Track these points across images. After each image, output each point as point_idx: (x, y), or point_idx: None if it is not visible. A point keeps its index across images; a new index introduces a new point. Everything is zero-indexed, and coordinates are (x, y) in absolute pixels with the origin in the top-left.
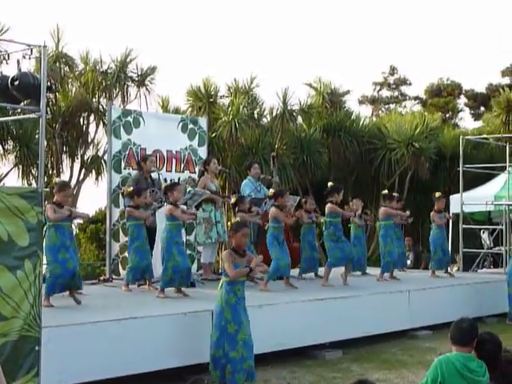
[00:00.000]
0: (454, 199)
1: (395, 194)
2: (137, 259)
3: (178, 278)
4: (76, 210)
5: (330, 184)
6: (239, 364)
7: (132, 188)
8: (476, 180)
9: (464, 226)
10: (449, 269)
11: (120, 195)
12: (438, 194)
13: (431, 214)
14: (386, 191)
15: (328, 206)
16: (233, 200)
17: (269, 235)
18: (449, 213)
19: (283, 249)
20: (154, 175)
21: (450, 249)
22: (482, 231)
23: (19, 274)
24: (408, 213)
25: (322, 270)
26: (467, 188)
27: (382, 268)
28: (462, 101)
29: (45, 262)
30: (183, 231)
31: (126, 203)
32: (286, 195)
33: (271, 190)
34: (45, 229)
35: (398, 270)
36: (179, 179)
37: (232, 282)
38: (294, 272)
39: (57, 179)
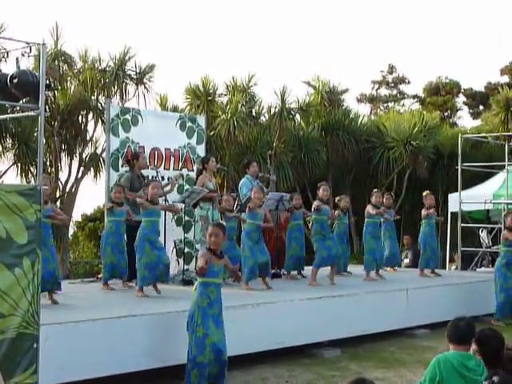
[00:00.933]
0: (453, 198)
1: (386, 194)
2: (115, 256)
3: (153, 274)
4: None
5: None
6: (206, 368)
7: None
8: (475, 179)
9: (462, 224)
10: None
11: None
12: (425, 193)
13: (422, 211)
14: (375, 190)
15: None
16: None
17: (243, 232)
18: (447, 211)
19: (258, 247)
20: (151, 172)
21: (448, 247)
22: (480, 230)
23: (17, 271)
24: (381, 210)
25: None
26: (466, 187)
27: (364, 267)
28: (460, 99)
29: None
30: (180, 229)
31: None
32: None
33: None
34: None
35: (389, 268)
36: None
37: (205, 284)
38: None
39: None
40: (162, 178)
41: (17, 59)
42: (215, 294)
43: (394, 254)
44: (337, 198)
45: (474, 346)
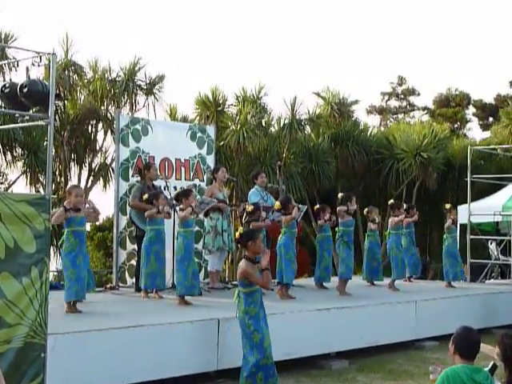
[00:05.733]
0: (462, 210)
1: (404, 204)
2: (157, 264)
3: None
4: None
5: (340, 195)
6: (271, 369)
7: (147, 195)
8: (484, 191)
9: (471, 236)
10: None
11: (127, 203)
12: (448, 206)
13: (447, 225)
14: (392, 201)
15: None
16: (250, 208)
17: (285, 239)
18: (456, 223)
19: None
20: (162, 182)
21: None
22: (489, 242)
23: (25, 280)
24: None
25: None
26: (475, 199)
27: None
28: (470, 111)
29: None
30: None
31: (132, 215)
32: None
33: (277, 203)
34: None
35: (406, 278)
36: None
37: (251, 293)
38: (298, 281)
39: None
40: (175, 188)
41: (27, 68)
42: (259, 299)
43: (416, 264)
44: (365, 210)
45: (497, 350)
